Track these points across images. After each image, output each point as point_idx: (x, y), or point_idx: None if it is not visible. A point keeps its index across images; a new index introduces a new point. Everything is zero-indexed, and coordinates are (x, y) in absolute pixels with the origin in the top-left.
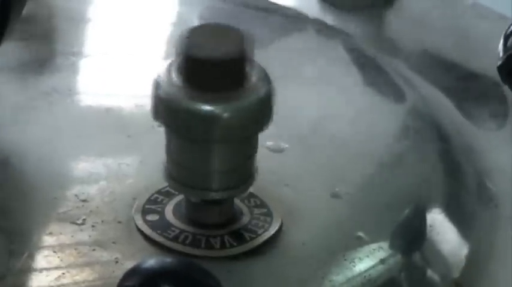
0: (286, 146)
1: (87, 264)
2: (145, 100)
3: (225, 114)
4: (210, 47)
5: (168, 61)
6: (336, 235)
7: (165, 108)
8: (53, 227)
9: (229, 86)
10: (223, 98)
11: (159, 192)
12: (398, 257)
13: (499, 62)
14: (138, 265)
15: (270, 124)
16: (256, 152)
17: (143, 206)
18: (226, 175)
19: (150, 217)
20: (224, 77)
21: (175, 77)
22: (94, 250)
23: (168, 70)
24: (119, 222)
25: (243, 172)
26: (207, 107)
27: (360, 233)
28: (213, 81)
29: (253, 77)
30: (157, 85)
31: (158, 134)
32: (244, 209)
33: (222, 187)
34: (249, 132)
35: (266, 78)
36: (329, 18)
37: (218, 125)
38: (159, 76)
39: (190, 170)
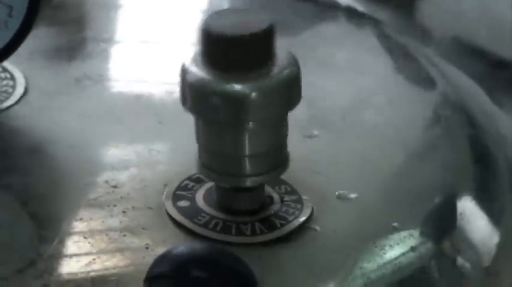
0: (317, 133)
1: (118, 250)
2: (175, 87)
3: (253, 93)
4: (233, 28)
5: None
6: (367, 223)
7: (192, 93)
8: (84, 213)
9: (255, 64)
10: (250, 78)
11: (189, 178)
12: (429, 245)
13: None
14: (168, 251)
15: (301, 111)
16: (286, 137)
17: (174, 193)
18: (257, 161)
19: (180, 203)
20: (249, 56)
21: (201, 62)
22: (124, 235)
23: (195, 56)
24: (150, 208)
25: (274, 157)
26: (235, 87)
27: (391, 221)
28: (238, 61)
29: (281, 59)
30: (184, 71)
31: (189, 121)
32: (275, 196)
33: (253, 173)
34: (278, 111)
35: (293, 60)
36: (360, 6)
37: (247, 104)
38: (185, 63)
39: (221, 156)
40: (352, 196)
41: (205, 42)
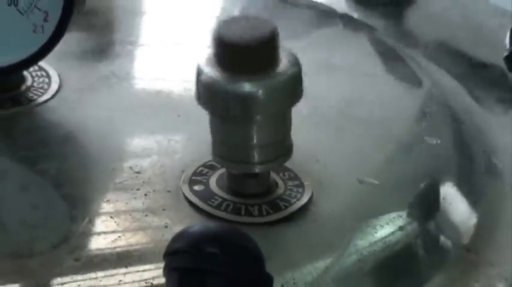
0: (317, 126)
1: (140, 228)
2: (192, 84)
3: (260, 91)
4: (242, 34)
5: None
6: (360, 205)
7: (206, 92)
8: (110, 195)
9: (261, 66)
10: (257, 78)
11: (204, 165)
12: (415, 225)
13: (506, 53)
14: (185, 230)
15: (303, 106)
16: (290, 129)
17: (190, 178)
18: (264, 150)
19: (196, 187)
20: (256, 59)
21: (214, 63)
22: (146, 216)
23: (209, 58)
24: (169, 191)
25: (279, 147)
26: (243, 87)
27: (382, 204)
28: (247, 64)
29: (284, 60)
30: (198, 72)
31: (204, 114)
32: (279, 182)
33: (260, 161)
34: (281, 107)
35: (295, 61)
36: (355, 13)
37: (254, 101)
38: (200, 64)
39: (232, 146)
40: (348, 181)
41: (217, 47)
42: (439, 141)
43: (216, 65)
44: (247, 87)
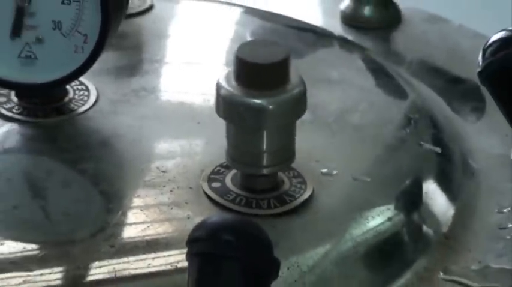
0: (317, 131)
1: (166, 220)
2: (211, 97)
3: (271, 106)
4: (259, 56)
5: (227, 68)
6: (354, 199)
7: (225, 104)
8: (141, 191)
9: (274, 85)
10: (269, 94)
11: (221, 165)
12: (401, 216)
13: (478, 69)
14: (204, 220)
15: (306, 115)
16: (294, 138)
17: (209, 176)
18: (271, 155)
19: (214, 184)
20: (269, 79)
21: (232, 80)
22: (171, 208)
23: (227, 75)
24: (190, 188)
25: (285, 153)
26: (257, 101)
27: (373, 198)
28: (261, 82)
29: (292, 79)
30: (218, 87)
31: (220, 122)
32: (285, 179)
33: (269, 164)
34: (289, 120)
35: (301, 80)
36: (350, 36)
37: (265, 114)
38: (219, 80)
39: (245, 151)
40: (343, 178)
41: (237, 66)
42: (439, 150)
43: (233, 82)
44: (260, 101)
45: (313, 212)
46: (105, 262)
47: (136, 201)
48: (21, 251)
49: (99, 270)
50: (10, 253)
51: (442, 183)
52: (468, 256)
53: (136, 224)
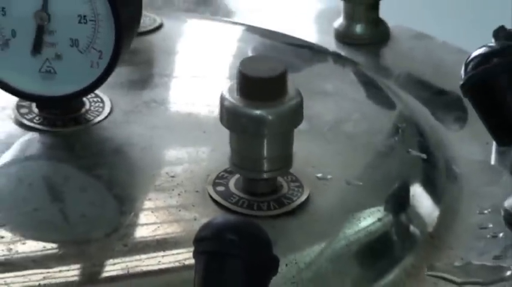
0: (313, 139)
1: (175, 221)
2: (215, 107)
3: (270, 117)
4: (259, 70)
5: (230, 81)
6: (347, 202)
7: (228, 114)
8: (151, 194)
9: (273, 97)
10: (268, 106)
11: (225, 171)
12: (390, 217)
13: (461, 82)
14: (210, 221)
15: (302, 124)
16: (292, 145)
17: (214, 181)
18: (271, 161)
19: (218, 188)
20: (269, 91)
21: (235, 92)
22: (179, 210)
23: (230, 88)
24: (197, 191)
25: (284, 158)
26: (258, 112)
27: (364, 200)
28: (262, 94)
29: (289, 92)
30: (222, 99)
31: (224, 131)
32: (284, 183)
33: (269, 170)
34: (287, 129)
35: (298, 93)
36: (342, 52)
37: (265, 123)
38: (223, 92)
39: (247, 158)
40: (337, 183)
41: (240, 80)
42: (425, 156)
43: (236, 94)
44: (260, 112)
45: (309, 213)
46: (118, 260)
47: (147, 204)
48: (42, 250)
49: (113, 267)
50: (31, 252)
51: (427, 187)
52: (451, 253)
53: (147, 225)
